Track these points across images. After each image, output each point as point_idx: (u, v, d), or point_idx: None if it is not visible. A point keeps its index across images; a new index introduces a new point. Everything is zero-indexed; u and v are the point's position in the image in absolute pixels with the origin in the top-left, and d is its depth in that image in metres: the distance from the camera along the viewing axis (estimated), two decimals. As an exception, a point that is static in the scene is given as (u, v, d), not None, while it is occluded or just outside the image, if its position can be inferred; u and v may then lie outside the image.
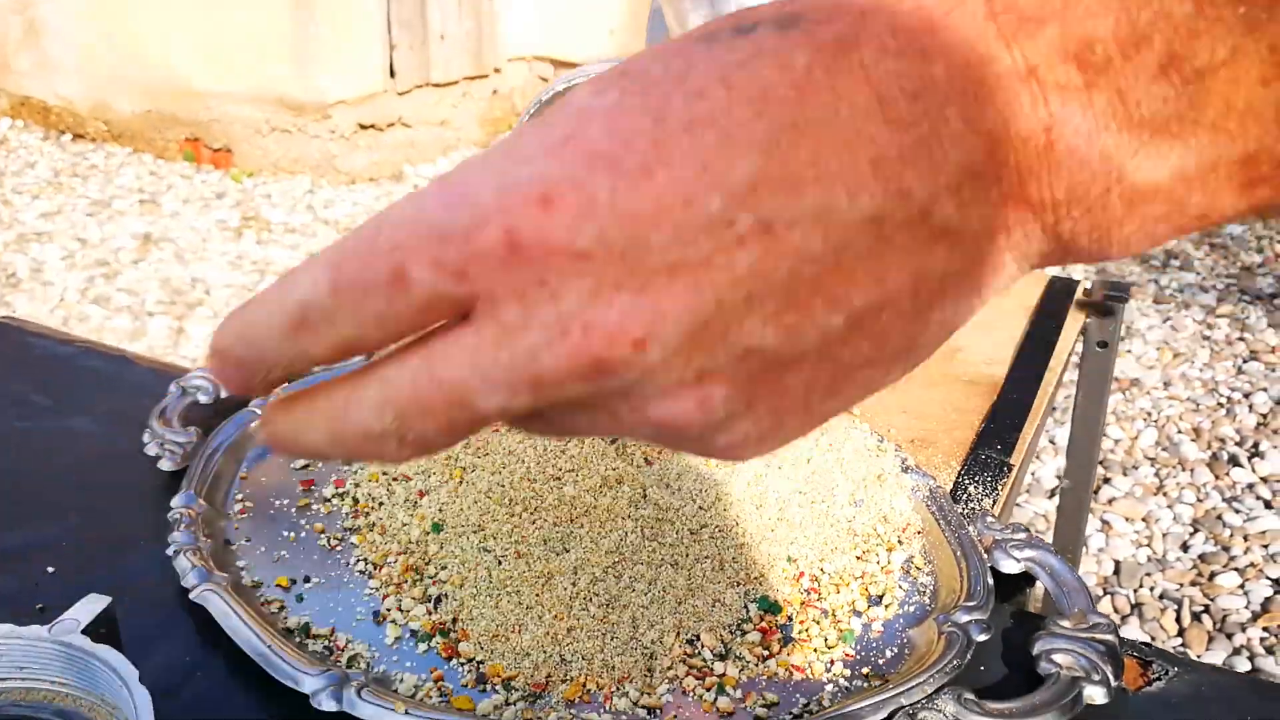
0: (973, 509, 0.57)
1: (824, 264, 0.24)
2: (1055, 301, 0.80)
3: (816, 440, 0.56)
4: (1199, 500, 1.81)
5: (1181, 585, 1.63)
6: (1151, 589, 1.64)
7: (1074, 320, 0.77)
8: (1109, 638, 0.45)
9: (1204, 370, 2.16)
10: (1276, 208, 0.24)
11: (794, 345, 0.25)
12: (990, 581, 0.49)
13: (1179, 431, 1.98)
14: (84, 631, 0.43)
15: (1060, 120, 0.23)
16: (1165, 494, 1.83)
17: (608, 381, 0.24)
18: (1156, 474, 1.88)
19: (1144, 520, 1.77)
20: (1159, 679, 0.46)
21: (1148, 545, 1.72)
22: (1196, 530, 1.74)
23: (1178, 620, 1.57)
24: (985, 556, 0.51)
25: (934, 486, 0.56)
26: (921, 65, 0.23)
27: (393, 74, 3.12)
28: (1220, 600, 1.59)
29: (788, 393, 0.26)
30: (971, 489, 0.59)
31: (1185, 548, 1.71)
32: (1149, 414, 2.03)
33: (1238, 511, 1.77)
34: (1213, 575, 1.64)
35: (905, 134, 0.23)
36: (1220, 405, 2.05)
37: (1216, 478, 1.85)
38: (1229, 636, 1.53)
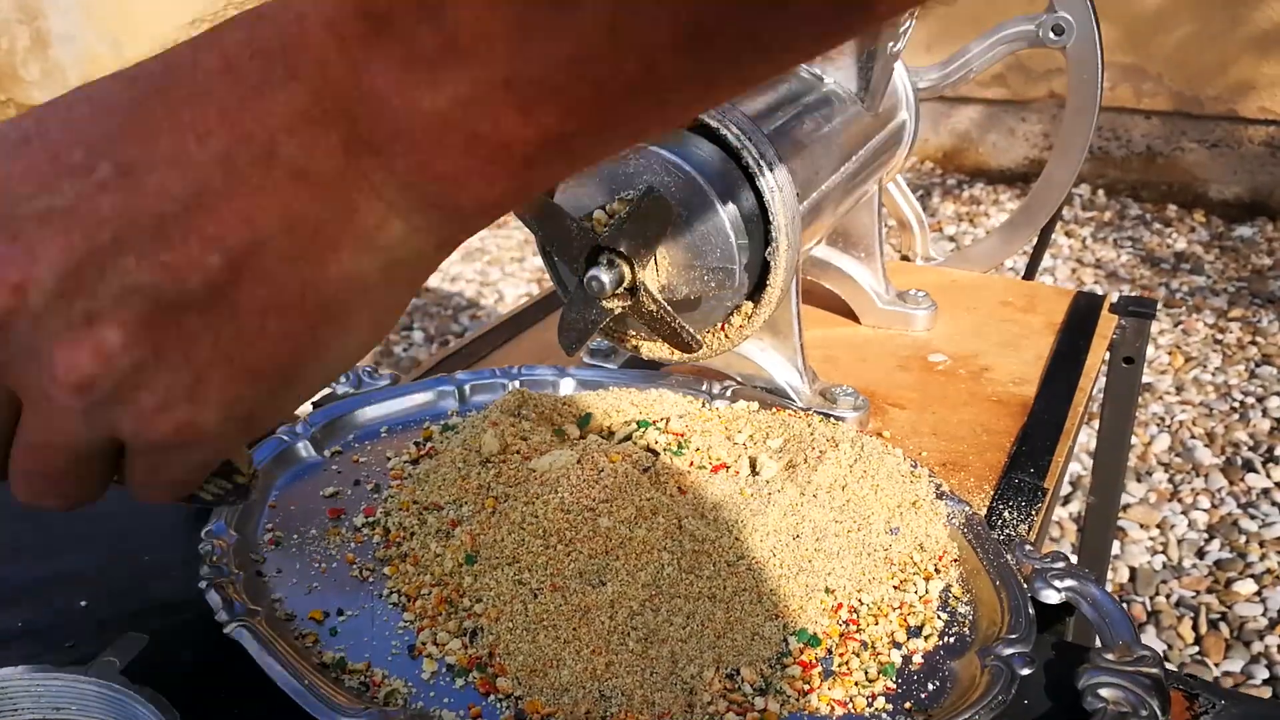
0: (1008, 535, 0.57)
1: (187, 204, 0.26)
2: (1081, 318, 0.79)
3: (850, 466, 0.56)
4: (1214, 506, 1.80)
5: (1198, 593, 1.62)
6: (1168, 596, 1.63)
7: (1101, 338, 0.77)
8: (1155, 671, 0.45)
9: (1216, 374, 2.16)
10: (575, 138, 0.26)
11: (177, 285, 0.26)
12: (1031, 612, 0.48)
13: (1192, 437, 1.97)
14: (123, 672, 0.42)
15: (363, 66, 0.26)
16: (1180, 500, 1.82)
17: (3, 339, 0.27)
18: (1170, 480, 1.87)
19: (1158, 527, 1.76)
20: (1205, 713, 0.45)
21: (1163, 552, 1.72)
22: (1212, 537, 1.73)
23: (1194, 628, 1.56)
24: (1025, 586, 0.50)
25: (969, 513, 0.56)
26: (256, 29, 0.27)
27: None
28: (1237, 608, 1.58)
29: (197, 340, 0.27)
30: (1006, 514, 0.58)
31: (1201, 554, 1.70)
32: (1162, 419, 2.02)
33: (1253, 517, 1.76)
34: (1229, 582, 1.63)
35: (243, 86, 0.26)
36: (1234, 410, 2.04)
37: (1231, 483, 1.84)
38: (1246, 645, 1.53)
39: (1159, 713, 0.43)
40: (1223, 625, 1.56)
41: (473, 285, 2.57)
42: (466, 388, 0.69)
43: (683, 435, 0.61)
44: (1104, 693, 0.44)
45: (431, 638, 0.49)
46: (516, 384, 0.68)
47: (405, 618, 0.51)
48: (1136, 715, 0.43)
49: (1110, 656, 0.46)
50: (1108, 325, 0.79)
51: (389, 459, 0.63)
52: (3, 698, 0.41)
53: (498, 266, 2.66)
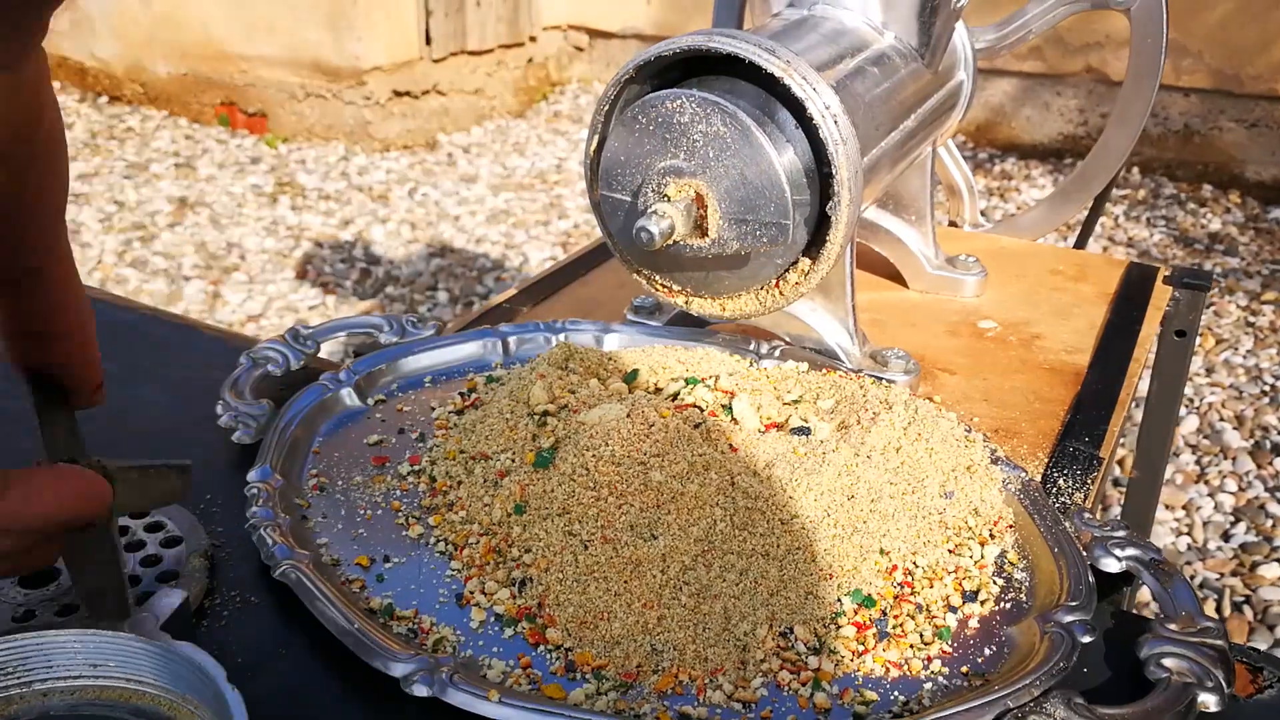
0: (1064, 504, 0.56)
1: None
2: (1134, 289, 0.78)
3: (904, 429, 0.55)
4: (1241, 489, 1.78)
5: (1222, 575, 1.61)
6: (1192, 578, 1.62)
7: (1155, 309, 0.75)
8: (1219, 643, 0.44)
9: (1247, 357, 2.13)
10: None
11: None
12: (1092, 580, 0.47)
13: (1221, 419, 1.95)
14: (162, 627, 0.41)
15: None
16: (1207, 482, 1.81)
17: None
18: (1198, 461, 1.85)
19: (1184, 508, 1.75)
20: (1270, 686, 0.44)
21: (1188, 534, 1.70)
22: (1238, 519, 1.71)
23: (1218, 610, 1.55)
24: (1084, 554, 0.49)
25: (1026, 479, 0.55)
26: None
27: (428, 41, 3.10)
28: (1262, 591, 1.57)
29: None
30: (1061, 482, 0.57)
31: (1226, 537, 1.69)
32: (1190, 400, 2.00)
33: (1281, 502, 1.75)
34: (1254, 566, 1.62)
35: None
36: (1264, 393, 2.02)
37: (1259, 467, 1.83)
38: (1270, 628, 1.52)
39: (1224, 684, 0.42)
40: (1246, 608, 1.55)
41: (498, 247, 2.56)
42: (510, 340, 0.68)
43: (732, 394, 0.60)
44: (1167, 663, 0.43)
45: (480, 587, 0.49)
46: (561, 338, 0.68)
47: (453, 566, 0.50)
48: (1201, 686, 0.42)
49: (1173, 627, 0.45)
50: (1161, 297, 0.77)
51: (433, 409, 0.62)
52: (38, 655, 0.40)
53: (523, 229, 2.65)
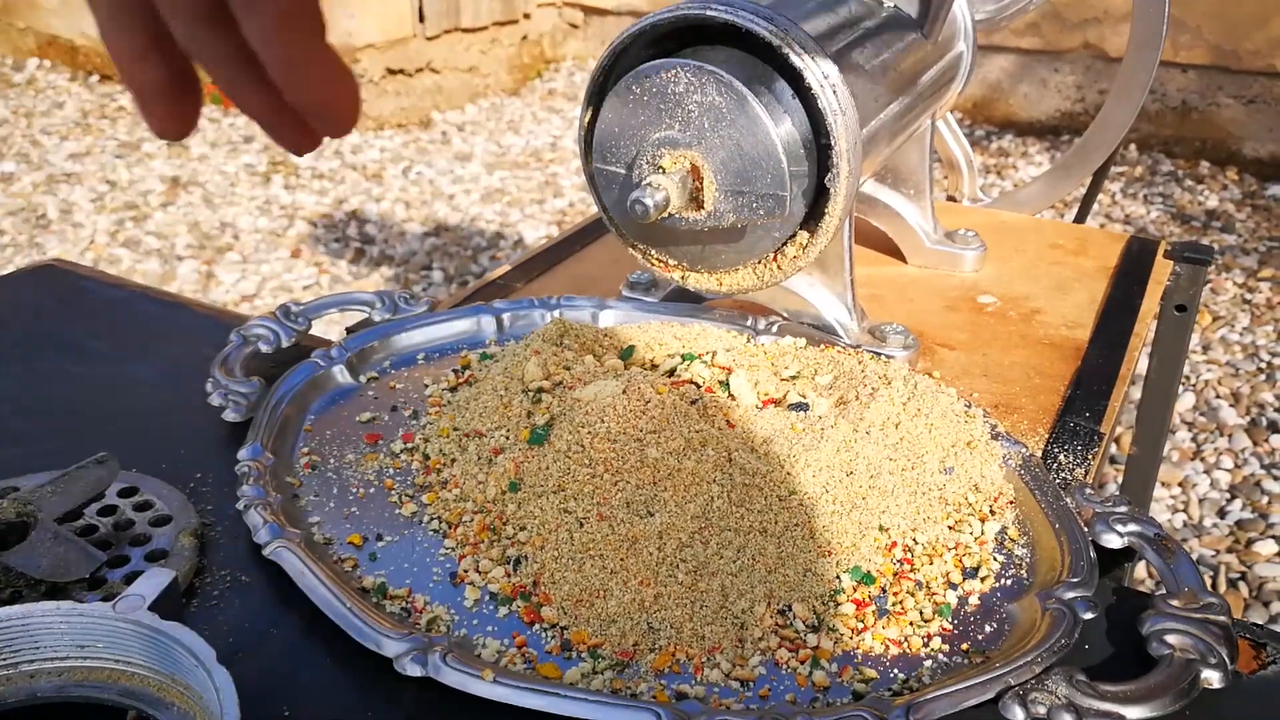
0: (1065, 479, 0.55)
1: None
2: (1135, 263, 0.77)
3: (904, 404, 0.54)
4: (1237, 466, 1.78)
5: (1218, 552, 1.61)
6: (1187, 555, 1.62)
7: (1156, 283, 0.75)
8: (1223, 619, 0.43)
9: (1244, 334, 2.13)
10: None
11: None
12: (1093, 556, 0.47)
13: (1217, 396, 1.95)
14: (150, 608, 0.41)
15: None
16: (1202, 459, 1.81)
17: None
18: (1194, 439, 1.85)
19: (1180, 485, 1.75)
20: (1273, 662, 0.44)
21: (1184, 511, 1.70)
22: (1234, 497, 1.72)
23: (1213, 587, 1.55)
24: (1086, 530, 0.49)
25: (1027, 455, 0.54)
26: None
27: (421, 18, 3.07)
28: (1257, 568, 1.57)
29: None
30: (1062, 458, 0.57)
31: (1222, 514, 1.69)
32: (1187, 378, 2.00)
33: (1277, 479, 1.74)
34: (1250, 542, 1.62)
35: None
36: (1260, 370, 2.01)
37: (1255, 444, 1.83)
38: (1265, 605, 1.52)
39: (1227, 661, 0.42)
40: (1242, 585, 1.55)
41: (492, 226, 2.54)
42: (505, 317, 0.67)
43: (729, 370, 0.59)
44: (1170, 639, 0.43)
45: (474, 565, 0.48)
46: (556, 314, 0.67)
47: (446, 545, 0.50)
48: (1205, 663, 0.42)
49: (1175, 603, 0.44)
50: (1162, 271, 0.77)
51: (426, 386, 0.61)
52: (24, 634, 0.40)
53: (518, 208, 2.63)
